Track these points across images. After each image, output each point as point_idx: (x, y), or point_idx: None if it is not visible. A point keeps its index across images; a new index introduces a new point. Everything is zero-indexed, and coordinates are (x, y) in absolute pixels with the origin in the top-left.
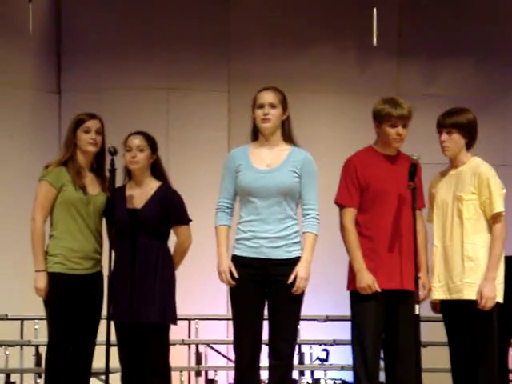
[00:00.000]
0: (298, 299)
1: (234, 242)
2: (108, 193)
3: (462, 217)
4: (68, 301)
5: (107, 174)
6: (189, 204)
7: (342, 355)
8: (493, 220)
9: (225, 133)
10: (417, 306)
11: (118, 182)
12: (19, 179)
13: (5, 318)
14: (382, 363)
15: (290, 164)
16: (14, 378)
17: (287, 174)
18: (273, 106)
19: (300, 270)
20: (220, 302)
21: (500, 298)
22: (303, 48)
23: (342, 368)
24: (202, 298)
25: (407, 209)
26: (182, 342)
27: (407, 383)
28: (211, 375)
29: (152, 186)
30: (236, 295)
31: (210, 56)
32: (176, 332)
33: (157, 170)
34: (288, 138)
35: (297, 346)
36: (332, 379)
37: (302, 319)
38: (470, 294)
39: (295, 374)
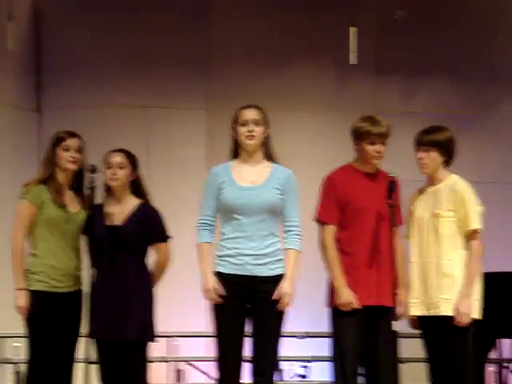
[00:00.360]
0: (280, 316)
1: (217, 258)
2: (88, 210)
3: (439, 233)
4: (49, 319)
5: (86, 191)
6: (169, 221)
7: (322, 371)
8: (469, 237)
9: (204, 150)
10: (394, 323)
11: (98, 200)
12: None
13: None
14: (361, 380)
15: (273, 181)
16: None
17: (271, 191)
18: (257, 123)
19: (285, 286)
20: (199, 319)
21: (476, 315)
22: (282, 66)
23: None
24: (181, 316)
25: (386, 226)
26: (162, 359)
27: None
28: None
29: (132, 203)
30: (219, 312)
31: (188, 74)
32: (155, 349)
33: (137, 187)
34: (269, 155)
35: None
36: None
37: (281, 336)
38: (446, 310)
39: None
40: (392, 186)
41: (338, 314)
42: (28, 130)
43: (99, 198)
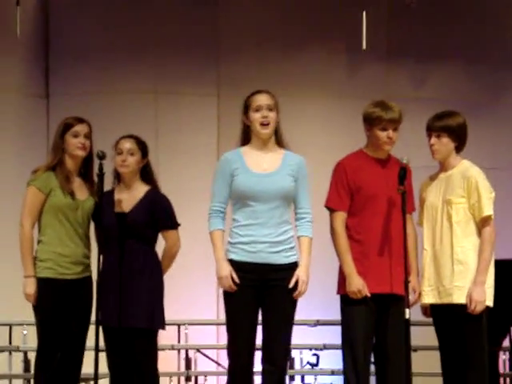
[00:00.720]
0: (294, 304)
1: (229, 245)
2: (96, 197)
3: (452, 220)
4: (57, 306)
5: (95, 178)
6: (178, 208)
7: (333, 360)
8: (482, 223)
9: (214, 137)
10: (407, 310)
11: (107, 186)
12: (7, 184)
13: None
14: (372, 367)
15: (286, 168)
16: (3, 383)
17: (286, 177)
18: (270, 108)
19: (301, 274)
20: (210, 306)
21: (490, 302)
22: (293, 51)
23: (333, 373)
24: (191, 303)
25: (397, 212)
26: (172, 348)
27: None
28: (201, 380)
29: (140, 190)
30: (231, 300)
31: (198, 59)
32: (165, 337)
33: (146, 174)
34: (280, 141)
35: None
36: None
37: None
38: (459, 298)
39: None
40: (403, 172)
41: (349, 302)
42: (37, 117)
43: (108, 184)
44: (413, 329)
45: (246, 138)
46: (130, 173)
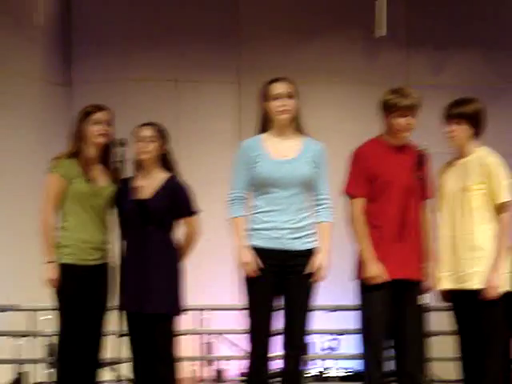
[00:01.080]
0: (313, 290)
1: (250, 231)
2: (117, 184)
3: (471, 206)
4: (79, 291)
5: (116, 165)
6: (199, 195)
7: (351, 344)
8: (500, 209)
9: (235, 124)
10: (424, 296)
11: (127, 174)
12: (29, 171)
13: (17, 308)
14: (390, 353)
15: (307, 154)
16: (27, 368)
17: (306, 164)
18: (290, 96)
19: (322, 259)
20: (229, 291)
21: (508, 287)
22: (313, 39)
23: (352, 357)
24: (212, 288)
25: (415, 199)
26: (192, 332)
27: (415, 372)
28: (220, 365)
29: (160, 177)
30: (251, 285)
31: (219, 47)
32: (185, 322)
33: (167, 161)
34: (300, 128)
35: None
36: (342, 368)
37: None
38: (477, 284)
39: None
40: (421, 159)
41: (365, 288)
42: (59, 104)
43: (128, 171)
44: (429, 314)
45: (265, 125)
46: (149, 160)
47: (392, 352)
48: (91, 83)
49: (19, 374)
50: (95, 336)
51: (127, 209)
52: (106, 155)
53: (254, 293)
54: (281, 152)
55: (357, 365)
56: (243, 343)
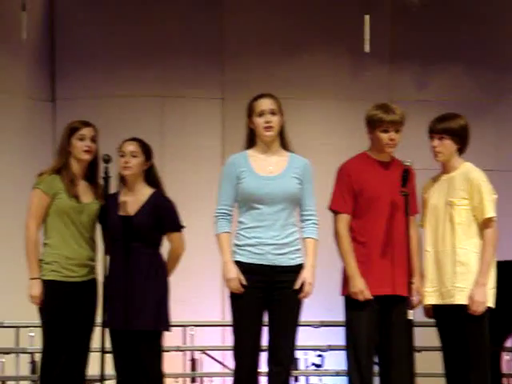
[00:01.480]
0: (299, 305)
1: (235, 247)
2: (102, 200)
3: (454, 222)
4: (63, 308)
5: (101, 181)
6: (183, 211)
7: (337, 361)
8: (484, 225)
9: (219, 140)
10: (410, 312)
11: (113, 190)
12: (13, 187)
13: (0, 325)
14: (376, 368)
15: (292, 171)
16: None
17: (291, 180)
18: (273, 112)
19: (307, 275)
20: (215, 308)
21: (491, 303)
22: (297, 55)
23: (337, 374)
24: (197, 305)
25: (400, 214)
26: (178, 349)
27: None
28: (206, 381)
29: (145, 192)
30: (238, 301)
31: (203, 63)
32: (171, 339)
33: (151, 177)
34: (285, 144)
35: None
36: None
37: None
38: (461, 299)
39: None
40: (406, 175)
41: (352, 303)
42: (42, 120)
43: (113, 188)
44: (416, 330)
45: (251, 141)
46: (132, 175)
47: (377, 368)
48: (75, 99)
49: None
50: (80, 353)
51: (112, 225)
52: (90, 171)
53: (240, 309)
54: (266, 168)
55: (341, 382)
56: (229, 360)
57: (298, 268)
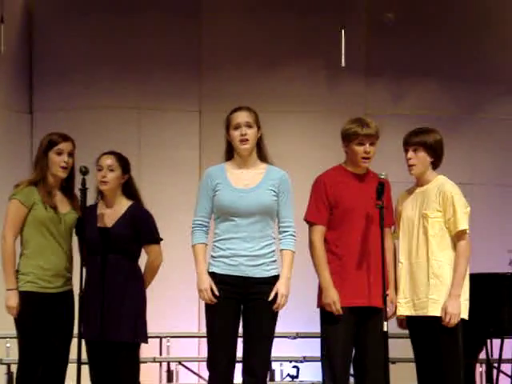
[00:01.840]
0: (274, 317)
1: (211, 259)
2: (79, 211)
3: (428, 234)
4: (39, 319)
5: (77, 192)
6: (160, 223)
7: (313, 372)
8: (457, 237)
9: (196, 152)
10: (385, 323)
11: (90, 201)
12: None
13: None
14: (352, 380)
15: (268, 183)
16: None
17: (266, 193)
18: (249, 125)
19: (281, 287)
20: (191, 319)
21: (465, 315)
22: (274, 68)
23: None
24: (173, 316)
25: (376, 227)
26: (154, 360)
27: None
28: None
29: (123, 205)
30: (213, 312)
31: (181, 75)
32: (147, 350)
33: (129, 189)
34: (263, 156)
35: None
36: None
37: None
38: (434, 311)
39: None
40: (381, 187)
41: (328, 315)
42: (20, 132)
43: (90, 199)
44: (391, 341)
45: (230, 153)
46: (110, 189)
47: (352, 380)
48: (53, 111)
49: None
50: (57, 364)
51: (90, 237)
52: (67, 183)
53: (214, 320)
54: (242, 181)
55: None
56: (205, 371)
57: (273, 279)
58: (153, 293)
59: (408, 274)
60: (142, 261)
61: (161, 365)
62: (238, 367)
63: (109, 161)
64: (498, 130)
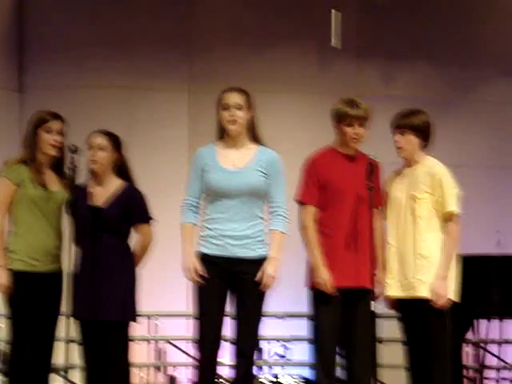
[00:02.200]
0: (262, 297)
1: (199, 238)
2: (68, 190)
3: (416, 215)
4: (29, 298)
5: (67, 171)
6: (151, 202)
7: (301, 351)
8: (446, 219)
9: (185, 132)
10: (373, 303)
11: (80, 180)
12: None
13: None
14: (340, 360)
15: (257, 164)
16: None
17: (254, 173)
18: (238, 107)
19: (268, 267)
20: (180, 298)
21: (453, 296)
22: (265, 48)
23: (301, 364)
24: (162, 295)
25: (365, 207)
26: (143, 338)
27: (363, 380)
28: (171, 371)
29: (114, 184)
30: (200, 292)
31: (171, 55)
32: (136, 328)
33: (121, 168)
34: (254, 137)
35: None
36: (291, 375)
37: (263, 316)
38: (422, 291)
39: (254, 370)
40: (371, 168)
41: (317, 295)
42: (10, 110)
43: (80, 178)
44: (379, 321)
45: (221, 133)
46: (100, 168)
47: (341, 360)
48: (44, 89)
49: None
50: (45, 343)
51: (81, 215)
52: (57, 161)
53: (202, 300)
54: (231, 161)
55: (306, 372)
56: (193, 350)
57: (261, 260)
58: (143, 272)
59: (396, 255)
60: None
61: (149, 343)
62: (226, 347)
63: (99, 139)
64: (489, 112)
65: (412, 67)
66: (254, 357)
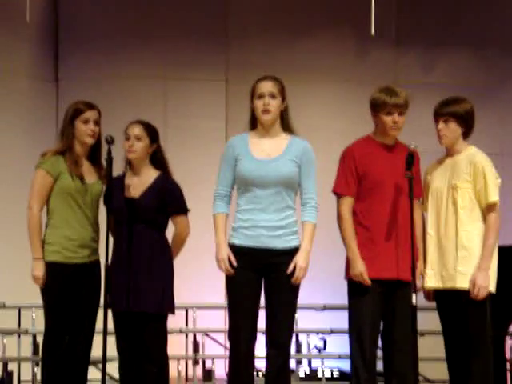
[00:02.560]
0: (295, 288)
1: (232, 230)
2: (105, 181)
3: (457, 205)
4: (65, 290)
5: (104, 162)
6: (187, 194)
7: (340, 344)
8: (487, 209)
9: (222, 122)
10: (414, 296)
11: (116, 171)
12: (16, 168)
13: (2, 306)
14: (379, 352)
15: (289, 154)
16: (12, 366)
17: (287, 163)
18: (273, 95)
19: (299, 259)
20: (218, 290)
21: (493, 288)
22: (301, 37)
23: (340, 357)
24: (200, 287)
25: (405, 198)
26: (180, 331)
27: (404, 373)
28: (208, 364)
29: (151, 175)
30: (233, 284)
31: (207, 45)
32: (173, 321)
33: (157, 159)
34: (287, 127)
35: (294, 335)
36: (329, 368)
37: (300, 308)
38: (462, 283)
39: (292, 363)
40: (411, 158)
41: (355, 287)
42: (46, 101)
43: (118, 169)
44: (420, 314)
45: (254, 122)
46: (137, 158)
47: (380, 352)
48: (78, 80)
49: (5, 372)
50: (83, 334)
51: (117, 207)
52: (93, 152)
53: (235, 291)
54: (263, 151)
55: (345, 365)
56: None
57: (294, 251)
58: (179, 264)
59: (436, 246)
60: (170, 232)
61: (187, 336)
62: (261, 339)
63: (136, 130)
64: None
65: (452, 55)
66: (291, 350)
